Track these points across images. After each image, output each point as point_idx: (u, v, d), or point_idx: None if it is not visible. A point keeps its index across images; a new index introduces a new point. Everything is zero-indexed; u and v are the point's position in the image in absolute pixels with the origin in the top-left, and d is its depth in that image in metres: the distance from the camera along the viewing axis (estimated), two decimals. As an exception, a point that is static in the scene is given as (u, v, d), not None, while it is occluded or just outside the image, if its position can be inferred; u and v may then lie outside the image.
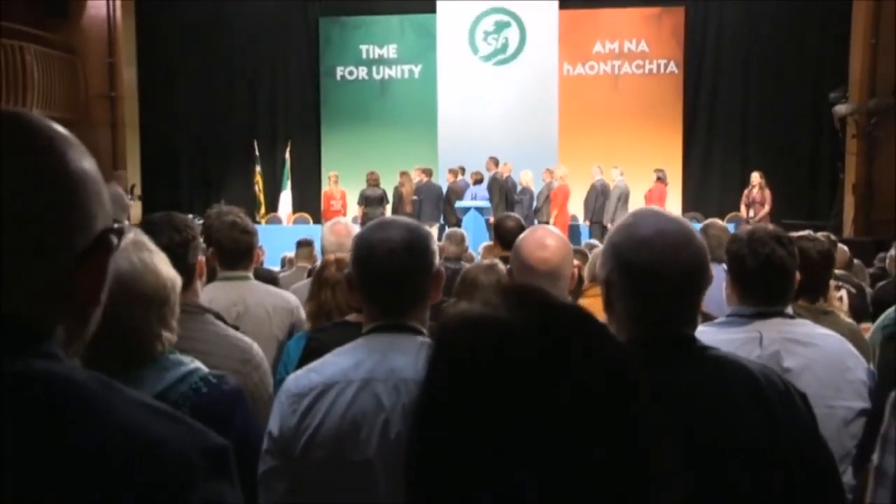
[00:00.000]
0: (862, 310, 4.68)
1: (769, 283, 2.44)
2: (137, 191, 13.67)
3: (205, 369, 1.82)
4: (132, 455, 0.83)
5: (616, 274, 1.63)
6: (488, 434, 0.82)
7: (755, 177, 13.63)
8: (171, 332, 1.76)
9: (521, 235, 2.71)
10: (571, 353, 0.85)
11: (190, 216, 2.63)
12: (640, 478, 0.85)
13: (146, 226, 2.46)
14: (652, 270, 1.58)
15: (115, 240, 0.96)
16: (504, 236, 4.35)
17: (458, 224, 12.19)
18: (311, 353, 2.27)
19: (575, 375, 0.84)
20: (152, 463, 0.84)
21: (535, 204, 13.92)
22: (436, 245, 1.95)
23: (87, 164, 0.94)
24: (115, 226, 0.96)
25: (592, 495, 0.83)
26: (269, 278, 4.69)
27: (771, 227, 2.60)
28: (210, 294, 2.84)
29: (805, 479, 1.55)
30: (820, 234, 3.33)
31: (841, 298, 4.62)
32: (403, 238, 1.85)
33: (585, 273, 3.86)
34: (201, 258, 2.52)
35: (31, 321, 0.89)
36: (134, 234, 1.78)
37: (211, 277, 3.00)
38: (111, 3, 14.12)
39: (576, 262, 2.79)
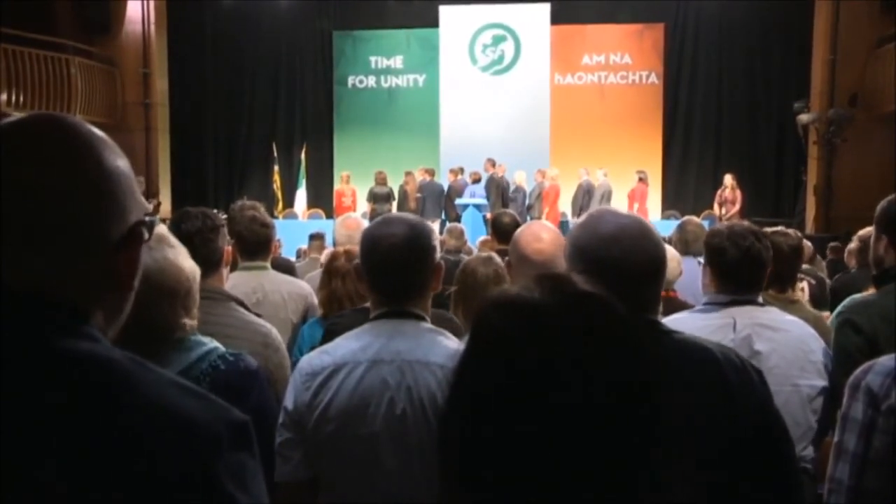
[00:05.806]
0: (821, 300, 4.67)
1: (747, 274, 2.43)
2: (155, 201, 13.52)
3: (223, 349, 1.81)
4: (167, 429, 0.83)
5: (582, 269, 1.59)
6: (522, 402, 0.84)
7: (728, 178, 13.65)
8: (192, 318, 1.77)
9: (519, 229, 2.68)
10: (598, 329, 0.88)
11: (214, 211, 2.62)
12: (652, 443, 0.87)
13: (183, 214, 2.46)
14: (619, 264, 1.54)
15: (146, 232, 0.95)
16: (500, 230, 4.34)
17: (458, 219, 12.14)
18: (331, 335, 2.23)
19: (601, 347, 0.87)
20: (184, 436, 0.84)
21: (527, 202, 13.89)
22: (436, 240, 1.93)
23: (122, 162, 0.94)
24: (147, 219, 0.95)
25: (610, 452, 0.84)
26: (286, 266, 4.68)
27: (745, 223, 2.60)
28: (232, 282, 2.83)
29: (760, 448, 1.54)
30: (790, 230, 3.31)
31: (802, 289, 4.60)
32: (405, 234, 1.83)
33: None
34: (228, 247, 2.52)
35: (73, 305, 0.88)
36: (156, 230, 1.77)
37: (233, 267, 2.99)
38: (146, 19, 14.14)
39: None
